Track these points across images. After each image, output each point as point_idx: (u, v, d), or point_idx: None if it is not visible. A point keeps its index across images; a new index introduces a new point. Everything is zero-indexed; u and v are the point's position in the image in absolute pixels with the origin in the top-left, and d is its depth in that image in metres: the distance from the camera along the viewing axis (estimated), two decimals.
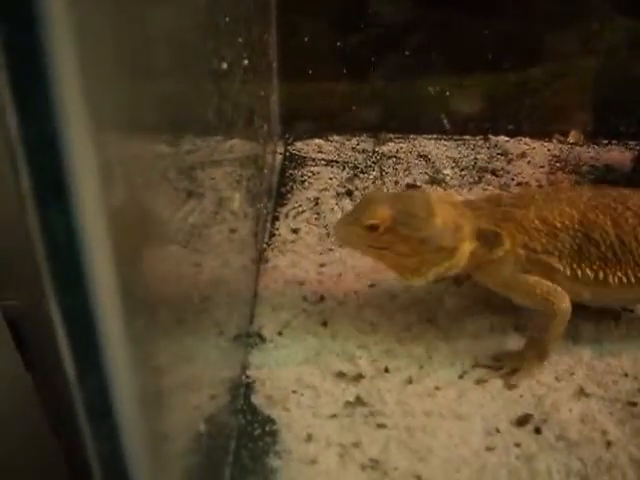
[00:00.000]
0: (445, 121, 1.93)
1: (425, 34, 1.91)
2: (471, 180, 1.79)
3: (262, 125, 1.71)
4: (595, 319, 1.35)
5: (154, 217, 0.88)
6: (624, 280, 1.28)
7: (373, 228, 1.21)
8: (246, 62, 1.35)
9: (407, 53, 1.91)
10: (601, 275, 1.27)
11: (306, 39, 1.89)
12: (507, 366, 1.26)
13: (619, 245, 1.27)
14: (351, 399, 1.20)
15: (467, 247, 1.24)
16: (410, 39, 1.91)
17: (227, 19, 1.21)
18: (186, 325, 1.03)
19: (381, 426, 1.15)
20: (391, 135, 1.96)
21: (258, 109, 1.69)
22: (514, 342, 1.32)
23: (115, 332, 0.56)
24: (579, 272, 1.27)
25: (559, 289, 1.25)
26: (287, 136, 1.96)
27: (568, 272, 1.27)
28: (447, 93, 1.94)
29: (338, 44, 1.91)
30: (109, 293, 0.56)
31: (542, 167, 1.85)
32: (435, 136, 1.96)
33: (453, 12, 1.90)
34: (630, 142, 1.93)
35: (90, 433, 0.58)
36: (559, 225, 1.27)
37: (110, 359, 0.56)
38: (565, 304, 1.25)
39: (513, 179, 1.80)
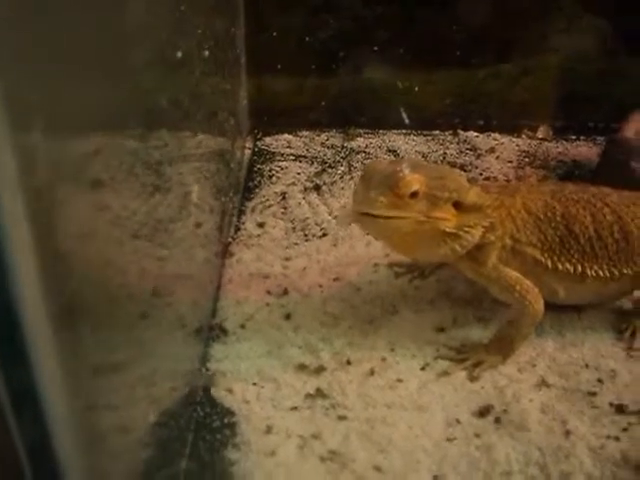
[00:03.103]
0: (404, 115, 1.93)
1: (394, 29, 1.91)
2: None
3: (229, 120, 1.70)
4: (559, 311, 1.35)
5: (108, 208, 0.88)
6: (600, 274, 1.29)
7: (414, 195, 1.15)
8: (207, 54, 1.34)
9: (376, 48, 1.91)
10: (579, 268, 1.28)
11: (275, 34, 1.89)
12: (470, 358, 1.26)
13: (597, 240, 1.28)
14: (312, 391, 1.19)
15: (480, 230, 1.23)
16: (379, 34, 1.91)
17: (184, 11, 1.20)
18: (141, 318, 1.02)
19: (342, 418, 1.15)
20: (360, 130, 1.96)
21: (224, 104, 1.68)
22: (477, 334, 1.32)
23: (39, 325, 0.55)
24: (559, 265, 1.28)
25: (536, 290, 1.26)
26: (256, 131, 1.96)
27: (549, 264, 1.27)
28: (416, 88, 1.94)
29: (307, 39, 1.91)
30: (33, 281, 0.55)
31: (510, 162, 1.86)
32: (404, 131, 1.96)
33: (421, 7, 1.90)
34: (598, 138, 1.93)
35: (17, 425, 0.57)
36: (543, 217, 1.27)
37: (35, 350, 0.55)
38: (540, 306, 1.25)
39: (481, 174, 1.80)
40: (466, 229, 1.20)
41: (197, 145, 1.48)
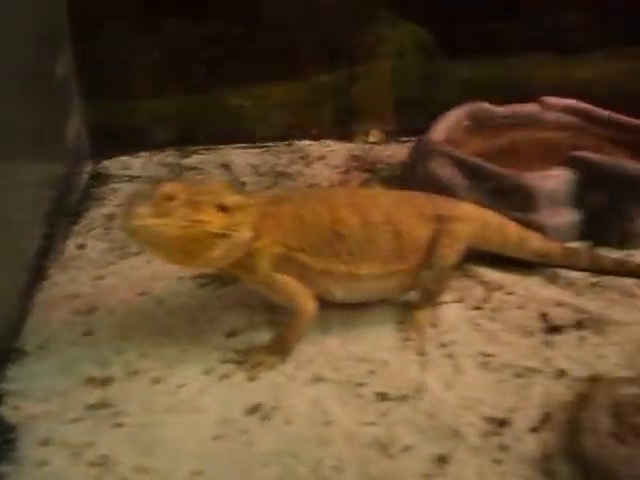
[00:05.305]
0: None
1: (223, 47, 2.00)
2: (267, 185, 1.89)
3: (60, 147, 1.78)
4: (345, 308, 1.44)
5: None
6: (374, 272, 1.39)
7: (170, 198, 1.23)
8: (26, 84, 1.40)
9: (206, 68, 2.00)
10: (352, 269, 1.38)
11: (107, 59, 1.97)
12: (251, 360, 1.34)
13: (367, 241, 1.38)
14: (96, 402, 1.27)
15: (248, 228, 1.32)
16: (209, 53, 2.00)
17: None
18: None
19: (119, 425, 1.23)
20: (198, 147, 2.05)
21: (53, 132, 1.76)
22: (266, 337, 1.41)
23: None
24: (331, 267, 1.37)
25: (307, 291, 1.35)
26: (96, 155, 2.03)
27: (320, 267, 1.37)
28: (249, 103, 2.04)
29: (140, 62, 1.99)
30: None
31: (338, 167, 1.96)
32: (241, 145, 2.05)
33: (249, 25, 1.99)
34: None
35: None
36: (310, 223, 1.37)
37: None
38: (310, 306, 1.35)
39: (307, 181, 1.89)
40: (234, 228, 1.29)
41: (22, 173, 1.55)
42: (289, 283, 1.34)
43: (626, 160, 1.69)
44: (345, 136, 2.08)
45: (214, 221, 1.26)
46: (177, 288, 1.54)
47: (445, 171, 1.69)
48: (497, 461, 1.15)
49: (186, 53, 1.99)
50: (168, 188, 1.24)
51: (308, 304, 1.34)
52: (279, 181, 1.90)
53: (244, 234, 1.30)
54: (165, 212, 1.23)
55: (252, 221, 1.31)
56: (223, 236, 1.27)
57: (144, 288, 1.54)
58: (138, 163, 2.00)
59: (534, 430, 1.20)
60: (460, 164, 1.69)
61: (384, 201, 1.42)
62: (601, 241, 1.66)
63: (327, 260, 1.37)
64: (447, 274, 1.46)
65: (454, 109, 1.90)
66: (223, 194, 1.30)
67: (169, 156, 2.03)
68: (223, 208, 1.28)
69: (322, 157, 1.99)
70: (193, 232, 1.25)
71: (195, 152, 2.03)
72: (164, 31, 1.98)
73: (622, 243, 1.65)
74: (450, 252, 1.44)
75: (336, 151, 2.03)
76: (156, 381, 1.32)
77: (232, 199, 1.29)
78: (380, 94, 2.09)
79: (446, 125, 1.85)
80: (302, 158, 2.00)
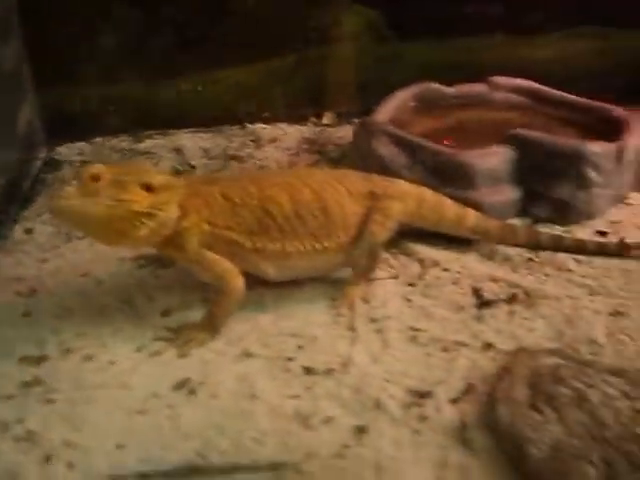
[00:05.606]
0: None
1: (175, 33, 2.03)
2: (217, 168, 1.92)
3: (11, 134, 1.80)
4: (279, 286, 1.47)
5: None
6: (302, 249, 1.41)
7: (95, 179, 1.27)
8: None
9: (159, 53, 2.03)
10: (280, 246, 1.40)
11: (60, 47, 1.99)
12: (181, 337, 1.37)
13: (295, 218, 1.41)
14: (30, 380, 1.30)
15: (175, 207, 1.34)
16: (161, 39, 2.02)
17: None
18: None
19: (50, 401, 1.26)
20: (151, 132, 2.08)
21: (2, 119, 1.78)
22: (200, 315, 1.43)
23: None
24: (259, 244, 1.40)
25: (235, 270, 1.38)
26: (51, 142, 2.06)
27: (249, 245, 1.39)
28: (199, 88, 2.06)
29: (93, 48, 2.02)
30: None
31: (289, 150, 1.98)
32: (194, 129, 2.08)
33: (199, 11, 2.02)
34: None
35: None
36: (239, 201, 1.39)
37: None
38: (238, 284, 1.37)
39: (256, 164, 1.92)
40: (159, 207, 1.32)
41: None
42: (217, 261, 1.37)
43: (562, 137, 1.71)
44: (299, 119, 2.10)
45: (140, 200, 1.29)
46: (118, 269, 1.57)
47: (386, 150, 1.71)
48: (416, 431, 1.17)
49: (139, 39, 2.01)
50: (94, 169, 1.27)
51: (236, 281, 1.37)
52: (229, 164, 1.93)
53: (170, 213, 1.33)
54: (91, 192, 1.26)
55: (179, 200, 1.34)
56: (149, 215, 1.30)
57: (86, 270, 1.57)
58: (92, 149, 2.03)
59: (455, 401, 1.22)
60: (401, 143, 1.71)
61: (315, 179, 1.45)
62: (540, 218, 1.68)
63: (256, 238, 1.39)
64: (378, 251, 1.48)
65: (401, 90, 1.92)
66: (148, 173, 1.32)
67: (123, 141, 2.06)
68: (149, 188, 1.31)
69: (274, 140, 2.02)
70: (119, 211, 1.28)
71: (148, 137, 2.06)
72: (117, 17, 2.00)
73: (560, 219, 1.67)
74: (380, 229, 1.47)
75: (289, 134, 2.05)
76: (88, 359, 1.35)
77: (158, 178, 1.32)
78: (334, 76, 2.11)
79: (392, 105, 1.88)
80: (254, 141, 2.03)
